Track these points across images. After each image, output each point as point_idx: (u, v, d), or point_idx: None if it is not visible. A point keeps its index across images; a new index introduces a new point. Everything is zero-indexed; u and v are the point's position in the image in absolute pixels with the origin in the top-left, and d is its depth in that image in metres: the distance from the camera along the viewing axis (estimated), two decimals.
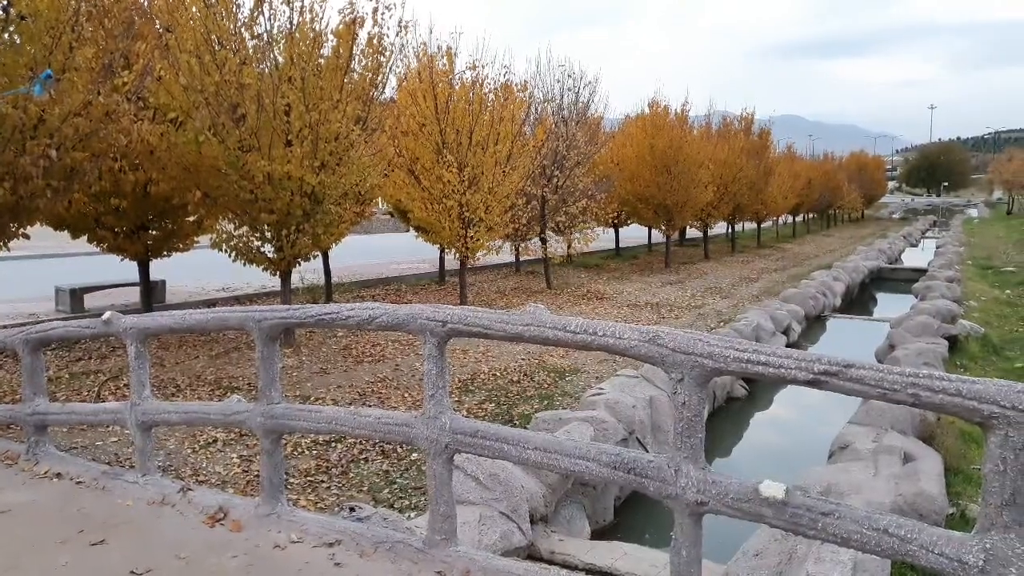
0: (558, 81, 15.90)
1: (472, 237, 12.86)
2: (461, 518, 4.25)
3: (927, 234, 43.77)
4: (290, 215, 9.36)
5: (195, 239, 11.26)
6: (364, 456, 6.51)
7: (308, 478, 5.99)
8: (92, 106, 6.69)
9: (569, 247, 18.55)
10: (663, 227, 21.33)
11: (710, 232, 26.85)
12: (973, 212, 71.75)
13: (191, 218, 10.74)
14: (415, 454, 6.61)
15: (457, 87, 12.64)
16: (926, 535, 1.90)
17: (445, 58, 12.82)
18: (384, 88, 10.57)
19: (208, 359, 9.56)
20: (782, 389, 10.19)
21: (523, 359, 10.17)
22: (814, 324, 14.37)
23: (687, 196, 20.30)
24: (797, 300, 13.70)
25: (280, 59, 9.20)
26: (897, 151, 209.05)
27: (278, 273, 10.09)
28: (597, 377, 9.27)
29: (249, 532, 3.11)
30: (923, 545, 1.87)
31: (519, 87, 13.41)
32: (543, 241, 16.34)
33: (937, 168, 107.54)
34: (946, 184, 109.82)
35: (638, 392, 6.94)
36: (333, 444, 6.72)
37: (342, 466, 6.27)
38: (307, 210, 9.40)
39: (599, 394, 6.50)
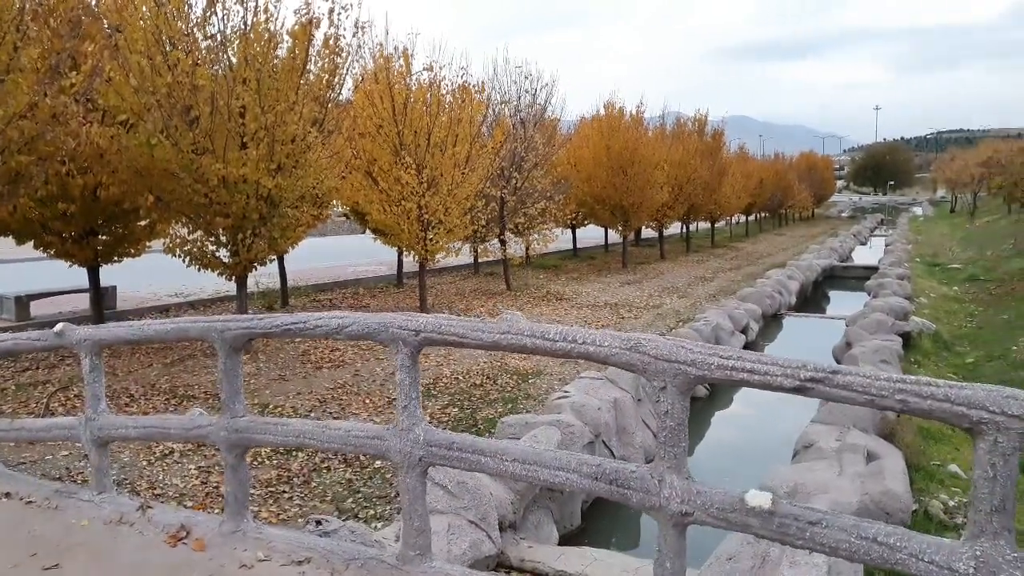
0: (515, 83, 15.89)
1: (431, 239, 12.74)
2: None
3: (875, 232, 44.96)
4: (246, 219, 9.15)
5: (147, 244, 10.92)
6: (326, 465, 6.36)
7: (269, 489, 5.83)
8: (38, 108, 6.41)
9: (528, 248, 18.54)
10: (620, 228, 21.48)
11: (665, 232, 27.14)
12: (918, 210, 74.02)
13: (142, 222, 10.42)
14: (378, 462, 6.49)
15: (414, 88, 12.51)
16: (915, 543, 1.89)
17: (402, 59, 12.68)
18: (341, 90, 10.40)
19: (162, 367, 9.28)
20: (741, 389, 10.31)
21: (485, 362, 10.10)
22: (771, 323, 14.60)
23: (643, 197, 20.47)
24: (754, 299, 13.90)
25: (234, 60, 8.98)
26: (844, 151, 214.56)
27: (234, 278, 9.85)
28: (560, 379, 9.25)
29: (213, 551, 2.97)
30: (913, 553, 1.87)
31: (477, 88, 13.33)
32: (502, 242, 16.30)
33: (883, 167, 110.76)
34: (892, 183, 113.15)
35: (603, 394, 6.93)
36: (294, 453, 6.56)
37: (304, 476, 6.12)
38: (263, 213, 9.19)
39: (564, 397, 6.47)
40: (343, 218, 26.12)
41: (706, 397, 9.42)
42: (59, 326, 3.51)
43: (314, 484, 5.99)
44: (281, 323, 2.84)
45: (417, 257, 13.02)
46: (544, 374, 9.50)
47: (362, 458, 6.53)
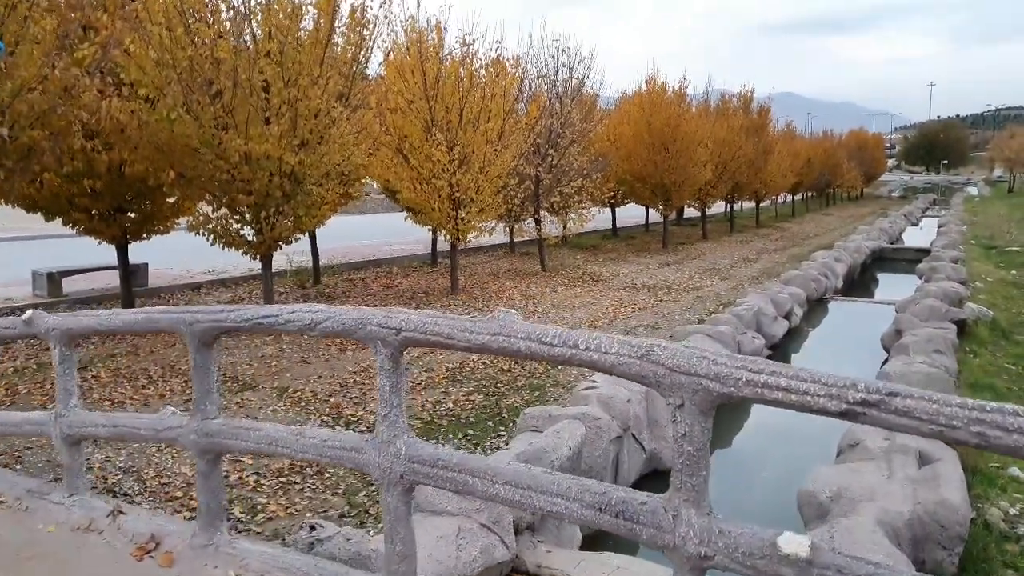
0: (552, 56, 15.36)
1: (463, 219, 12.42)
2: (437, 531, 3.87)
3: (927, 213, 43.25)
4: (269, 196, 8.93)
5: (176, 221, 10.80)
6: None
7: (280, 479, 5.60)
8: (48, 81, 6.21)
9: (564, 228, 18.10)
10: (660, 207, 20.88)
11: (708, 212, 26.40)
12: (973, 190, 71.21)
13: (170, 200, 10.29)
14: None
15: (447, 63, 12.12)
16: None
17: (434, 32, 12.30)
18: (368, 63, 10.10)
19: (184, 347, 9.15)
20: None
21: None
22: (816, 307, 13.98)
23: (685, 175, 19.82)
24: (798, 282, 13.29)
25: (258, 32, 8.72)
26: (896, 129, 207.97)
27: (258, 257, 9.67)
28: None
29: (181, 567, 2.72)
30: None
31: (511, 62, 12.88)
32: (537, 222, 15.88)
33: (936, 146, 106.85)
34: (945, 162, 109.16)
35: (633, 384, 6.54)
36: None
37: (318, 465, 5.88)
38: (287, 191, 8.95)
39: (592, 387, 6.11)
40: (381, 195, 26.00)
41: None
42: (27, 313, 3.28)
43: (328, 475, 5.75)
44: (251, 316, 2.54)
45: (449, 237, 12.72)
46: None
47: None
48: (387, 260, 17.79)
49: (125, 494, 4.83)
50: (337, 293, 13.33)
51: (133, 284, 13.71)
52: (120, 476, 5.22)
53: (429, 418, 6.94)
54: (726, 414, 8.05)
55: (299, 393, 7.50)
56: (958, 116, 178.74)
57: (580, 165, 16.04)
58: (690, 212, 30.85)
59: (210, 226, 9.34)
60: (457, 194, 12.06)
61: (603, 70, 43.69)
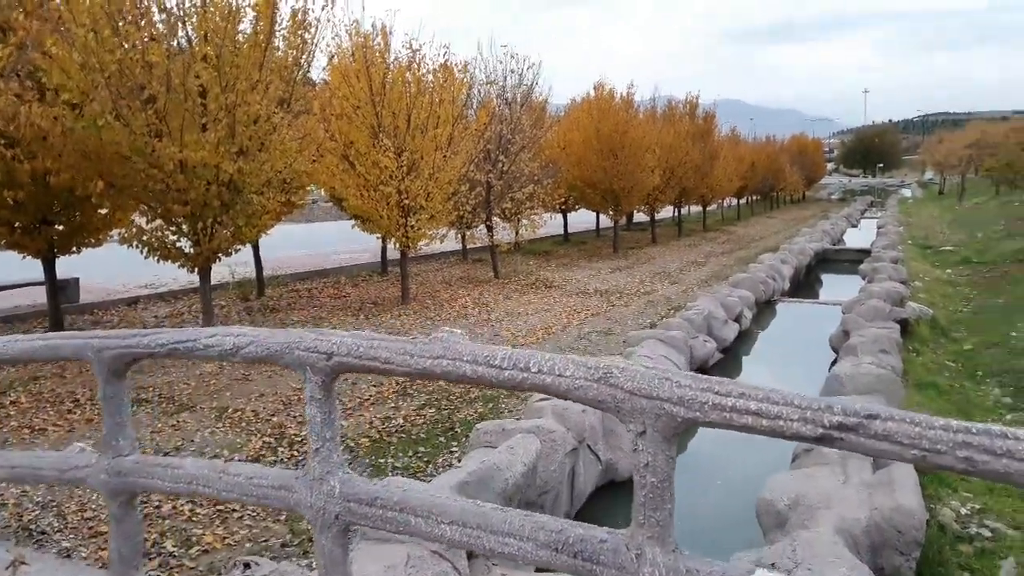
0: (500, 63, 15.23)
1: (413, 226, 12.17)
2: (384, 560, 3.65)
3: (865, 214, 44.49)
4: (207, 206, 8.56)
5: (109, 234, 10.29)
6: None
7: (218, 507, 5.27)
8: None
9: (517, 234, 17.96)
10: (611, 212, 20.93)
11: (657, 216, 26.59)
12: (907, 192, 73.64)
13: (102, 211, 9.79)
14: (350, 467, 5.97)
15: (393, 68, 11.87)
16: None
17: (380, 37, 12.04)
18: (310, 67, 9.79)
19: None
20: (733, 377, 9.84)
21: None
22: (764, 309, 14.12)
23: (634, 180, 19.90)
24: (747, 285, 13.39)
25: (193, 35, 8.35)
26: (834, 133, 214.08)
27: (196, 270, 9.27)
28: None
29: None
30: None
31: (459, 68, 12.70)
32: (489, 228, 15.71)
33: (872, 150, 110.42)
34: (881, 165, 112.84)
35: None
36: (263, 457, 6.03)
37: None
38: (225, 200, 8.60)
39: (546, 398, 5.94)
40: (328, 203, 25.46)
41: None
42: None
43: None
44: (166, 341, 2.29)
45: (399, 245, 12.45)
46: None
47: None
48: (335, 269, 17.39)
49: (43, 532, 4.46)
50: (281, 305, 12.93)
51: (62, 300, 13.07)
52: (38, 512, 4.83)
53: (378, 436, 6.68)
54: None
55: (239, 413, 7.16)
56: (891, 121, 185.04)
57: (531, 171, 15.94)
58: (640, 217, 31.09)
59: (144, 238, 8.91)
60: (406, 201, 11.81)
61: (551, 77, 43.84)
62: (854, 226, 36.27)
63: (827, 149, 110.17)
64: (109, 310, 12.77)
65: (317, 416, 2.09)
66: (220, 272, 14.99)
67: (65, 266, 10.71)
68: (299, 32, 9.32)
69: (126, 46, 7.67)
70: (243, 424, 6.88)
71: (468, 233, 15.95)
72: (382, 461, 6.13)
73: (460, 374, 1.84)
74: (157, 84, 7.81)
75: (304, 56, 9.56)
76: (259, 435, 6.62)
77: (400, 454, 6.29)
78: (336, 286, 15.41)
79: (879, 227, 29.19)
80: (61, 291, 12.93)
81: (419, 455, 6.26)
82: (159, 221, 8.94)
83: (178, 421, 6.88)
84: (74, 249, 10.50)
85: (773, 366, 10.58)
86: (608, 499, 6.21)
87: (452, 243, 17.60)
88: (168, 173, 8.08)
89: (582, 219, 28.31)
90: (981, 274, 17.77)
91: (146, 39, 7.80)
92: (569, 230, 25.75)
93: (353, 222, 12.81)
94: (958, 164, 53.57)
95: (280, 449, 6.31)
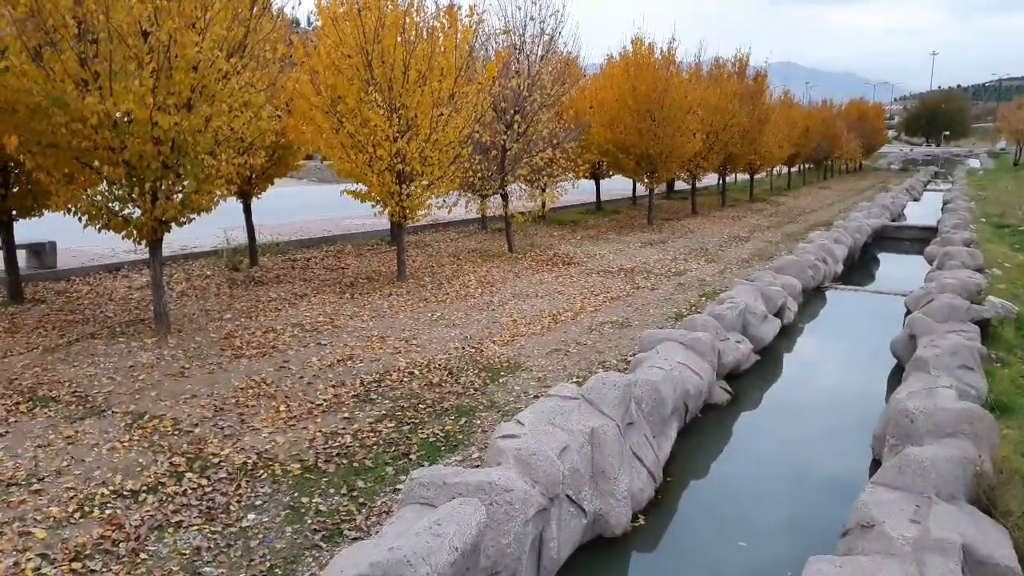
0: (519, 8, 13.48)
1: (408, 195, 10.73)
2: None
3: (929, 186, 41.44)
4: (149, 168, 7.24)
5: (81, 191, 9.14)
6: (178, 519, 4.54)
7: (75, 563, 4.03)
8: None
9: (542, 205, 16.39)
10: (646, 179, 19.14)
11: (700, 184, 24.67)
12: (975, 163, 69.29)
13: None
14: (251, 514, 4.66)
15: (389, 11, 10.33)
16: None
17: None
18: (269, 5, 8.32)
19: (42, 352, 7.52)
20: (770, 387, 8.24)
21: (455, 348, 8.19)
22: (812, 297, 12.36)
23: (672, 145, 18.06)
24: (793, 271, 11.65)
25: None
26: (896, 99, 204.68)
27: (143, 243, 8.01)
28: (540, 378, 7.30)
29: None
30: None
31: (467, 12, 11.08)
32: (504, 197, 14.17)
33: (937, 116, 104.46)
34: (947, 133, 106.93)
35: (574, 423, 4.94)
36: (141, 496, 4.76)
37: (138, 537, 4.30)
38: (167, 162, 7.26)
39: (510, 437, 4.50)
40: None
41: (726, 404, 7.38)
42: None
43: (148, 553, 4.18)
44: None
45: (392, 216, 11.03)
46: (522, 369, 7.57)
47: (232, 507, 4.71)
48: (343, 236, 16.11)
49: None
50: (268, 278, 11.69)
51: (37, 266, 12.07)
52: None
53: (313, 461, 5.35)
54: (698, 451, 6.40)
55: (156, 421, 5.89)
56: (960, 87, 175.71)
57: (550, 133, 14.28)
58: (681, 185, 29.15)
59: (81, 205, 7.66)
60: (400, 165, 10.35)
61: (577, 26, 40.40)
62: (916, 199, 33.59)
63: (887, 115, 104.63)
64: (86, 277, 11.72)
65: None
66: (212, 239, 13.85)
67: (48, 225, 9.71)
68: None
69: None
70: (156, 437, 5.62)
71: (481, 202, 14.40)
72: (305, 500, 4.80)
73: None
74: (71, 21, 6.45)
75: None
76: (169, 453, 5.35)
77: (332, 490, 4.96)
78: (338, 255, 14.13)
79: (946, 202, 26.72)
80: (36, 256, 11.95)
81: (355, 494, 4.91)
82: (103, 186, 7.68)
83: (77, 431, 5.65)
84: (35, 211, 9.48)
85: (819, 374, 8.93)
86: (592, 561, 4.78)
87: (473, 211, 16.14)
88: (93, 127, 6.76)
89: (617, 185, 26.53)
90: None
91: None
92: (603, 198, 24.04)
93: (342, 188, 11.41)
94: None
95: (188, 476, 5.03)
